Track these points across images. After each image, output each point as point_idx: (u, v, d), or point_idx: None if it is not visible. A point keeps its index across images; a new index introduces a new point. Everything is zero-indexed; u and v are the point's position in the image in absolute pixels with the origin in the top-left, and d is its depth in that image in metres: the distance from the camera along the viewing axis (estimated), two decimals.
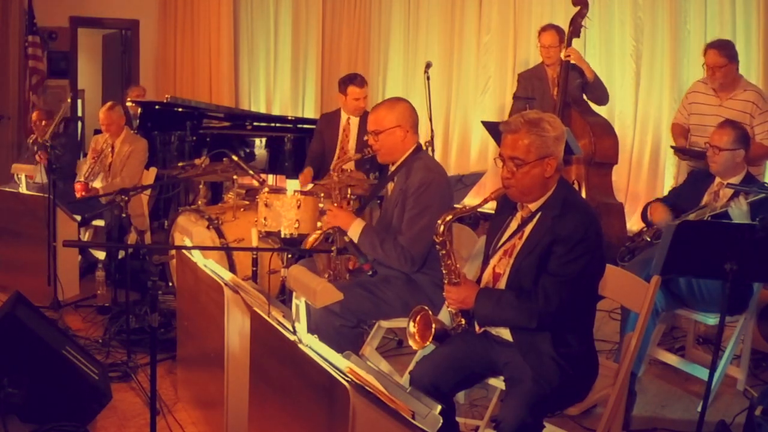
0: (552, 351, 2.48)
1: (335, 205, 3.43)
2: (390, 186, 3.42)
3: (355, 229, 3.27)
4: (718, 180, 3.70)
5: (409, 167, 3.26)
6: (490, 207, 2.77)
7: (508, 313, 2.50)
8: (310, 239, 3.54)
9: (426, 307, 2.68)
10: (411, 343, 2.70)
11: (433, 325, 2.62)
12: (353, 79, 5.26)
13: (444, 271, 2.63)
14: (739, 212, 3.39)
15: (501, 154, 2.57)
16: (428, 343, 2.64)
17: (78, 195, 5.24)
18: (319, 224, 3.74)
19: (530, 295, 2.47)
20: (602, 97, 5.20)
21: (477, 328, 2.67)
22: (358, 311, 3.18)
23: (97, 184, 5.57)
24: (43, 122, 5.86)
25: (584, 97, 5.16)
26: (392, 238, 3.20)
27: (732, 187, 3.57)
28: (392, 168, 3.39)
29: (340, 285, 3.15)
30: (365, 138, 3.50)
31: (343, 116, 5.35)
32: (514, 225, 2.64)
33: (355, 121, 5.30)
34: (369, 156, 3.44)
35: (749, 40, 5.68)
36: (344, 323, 3.14)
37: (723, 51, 4.30)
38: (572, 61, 4.97)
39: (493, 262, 2.65)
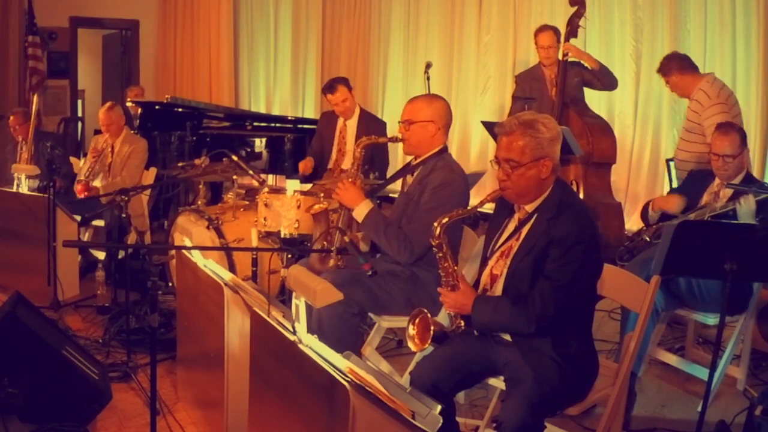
0: (552, 351, 2.48)
1: (349, 180, 3.30)
2: (408, 179, 3.37)
3: (361, 209, 3.20)
4: (717, 180, 3.70)
5: (433, 165, 3.22)
6: (490, 207, 2.77)
7: (505, 320, 2.49)
8: (315, 207, 3.50)
9: (425, 310, 2.66)
10: (410, 345, 2.69)
11: (432, 328, 2.61)
12: (326, 89, 5.30)
13: (441, 274, 2.63)
14: (747, 210, 3.39)
15: (496, 156, 2.56)
16: (427, 345, 2.64)
17: (79, 195, 5.24)
18: (323, 204, 3.64)
19: (527, 300, 2.46)
20: (612, 83, 5.17)
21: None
22: (360, 300, 3.15)
23: (96, 183, 5.56)
24: (19, 126, 5.80)
25: (584, 97, 5.15)
26: (397, 226, 3.19)
27: (732, 187, 3.57)
28: (414, 162, 3.34)
29: (343, 277, 3.14)
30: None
31: (340, 118, 5.35)
32: (511, 227, 2.63)
33: (351, 124, 5.30)
34: (397, 141, 3.33)
35: (749, 40, 5.67)
36: (347, 309, 3.10)
37: (661, 70, 4.56)
38: (571, 56, 4.94)
39: (490, 263, 2.65)
